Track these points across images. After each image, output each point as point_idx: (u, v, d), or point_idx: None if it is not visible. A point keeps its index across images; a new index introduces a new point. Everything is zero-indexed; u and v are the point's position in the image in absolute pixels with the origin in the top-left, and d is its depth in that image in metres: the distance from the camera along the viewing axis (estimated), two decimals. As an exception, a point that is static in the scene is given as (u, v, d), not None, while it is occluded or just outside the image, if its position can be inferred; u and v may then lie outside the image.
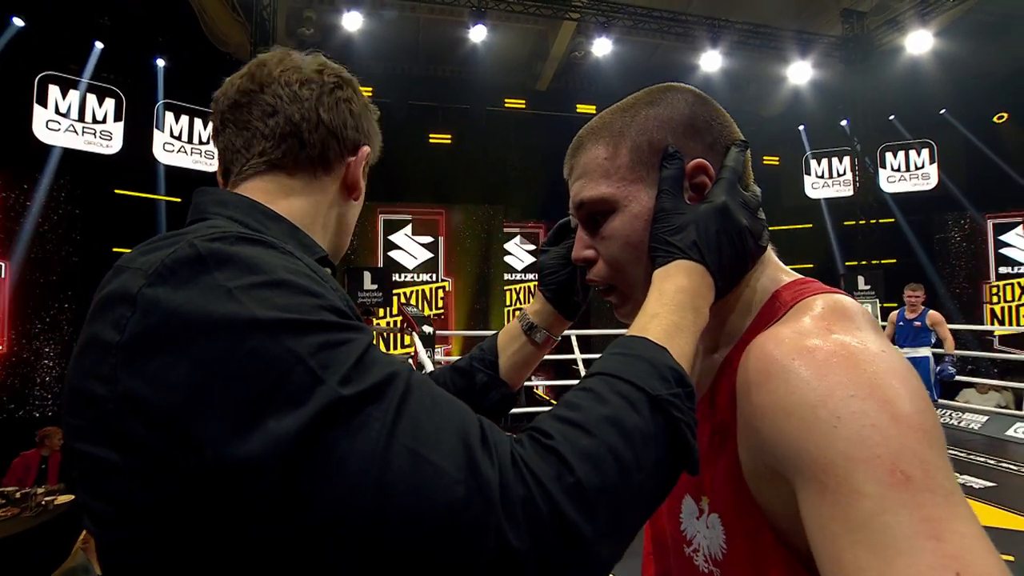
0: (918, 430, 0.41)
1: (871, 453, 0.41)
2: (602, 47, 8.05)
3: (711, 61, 8.23)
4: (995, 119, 8.81)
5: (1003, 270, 8.55)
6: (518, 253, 9.68)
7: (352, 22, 7.51)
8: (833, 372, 0.45)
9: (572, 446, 0.40)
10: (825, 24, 8.73)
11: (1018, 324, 8.37)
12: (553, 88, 9.49)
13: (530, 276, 9.56)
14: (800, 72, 8.72)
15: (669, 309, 0.51)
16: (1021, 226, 8.42)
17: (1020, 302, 8.39)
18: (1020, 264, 8.42)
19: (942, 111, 8.83)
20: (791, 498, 0.45)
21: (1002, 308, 8.52)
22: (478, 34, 7.58)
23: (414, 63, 9.36)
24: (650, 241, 0.56)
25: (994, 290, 8.59)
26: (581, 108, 9.38)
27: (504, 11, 7.73)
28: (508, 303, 9.46)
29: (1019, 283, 8.36)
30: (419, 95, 9.11)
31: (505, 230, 9.46)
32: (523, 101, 9.38)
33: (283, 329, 0.39)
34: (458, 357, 0.82)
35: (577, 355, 5.81)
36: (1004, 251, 8.55)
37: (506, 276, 9.45)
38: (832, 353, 0.46)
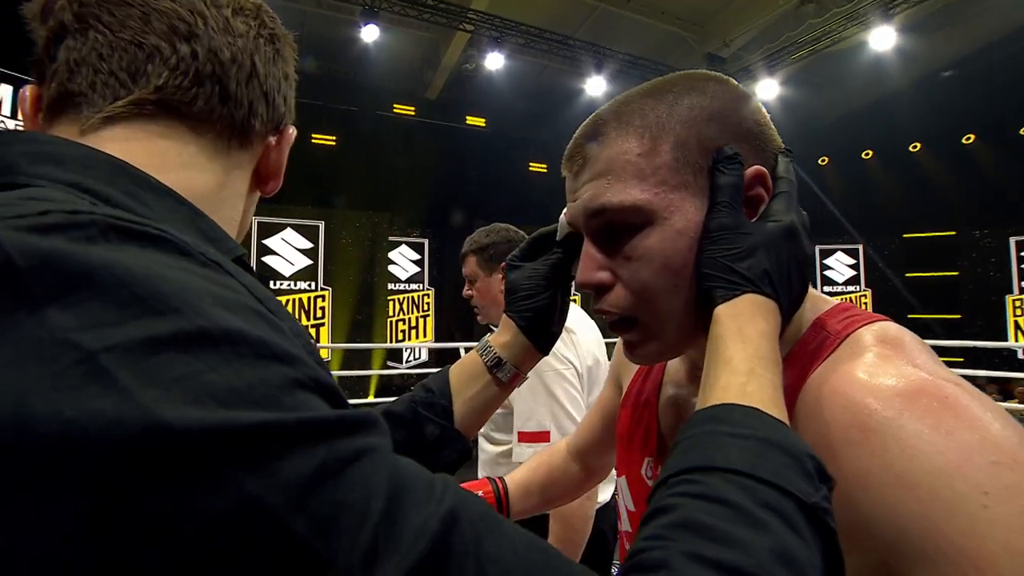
0: None
1: None
2: (494, 61, 8.14)
3: (595, 86, 8.61)
4: (819, 162, 10.14)
5: (827, 289, 9.69)
6: (402, 263, 9.42)
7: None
8: (957, 428, 0.37)
9: None
10: (692, 64, 9.65)
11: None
12: (443, 98, 9.40)
13: (414, 286, 9.36)
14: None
15: (761, 363, 0.40)
16: (840, 252, 9.84)
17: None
18: (839, 284, 9.84)
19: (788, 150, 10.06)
20: None
21: (825, 321, 9.98)
22: (370, 34, 7.30)
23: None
24: (702, 266, 0.46)
25: (820, 305, 10.08)
26: (471, 120, 9.42)
27: (397, 13, 7.56)
28: (392, 314, 9.13)
29: (839, 298, 9.84)
30: (302, 92, 8.09)
31: (390, 238, 9.20)
32: (413, 108, 9.18)
33: (231, 450, 0.21)
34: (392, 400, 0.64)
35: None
36: (828, 272, 9.87)
37: (390, 286, 9.17)
38: (945, 402, 0.39)
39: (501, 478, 0.84)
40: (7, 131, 0.34)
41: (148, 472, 0.19)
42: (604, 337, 1.63)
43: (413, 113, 9.20)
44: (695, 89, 0.49)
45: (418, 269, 9.32)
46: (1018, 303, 8.22)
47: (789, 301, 0.45)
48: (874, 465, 0.39)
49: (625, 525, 0.66)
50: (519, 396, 1.46)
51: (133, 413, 0.19)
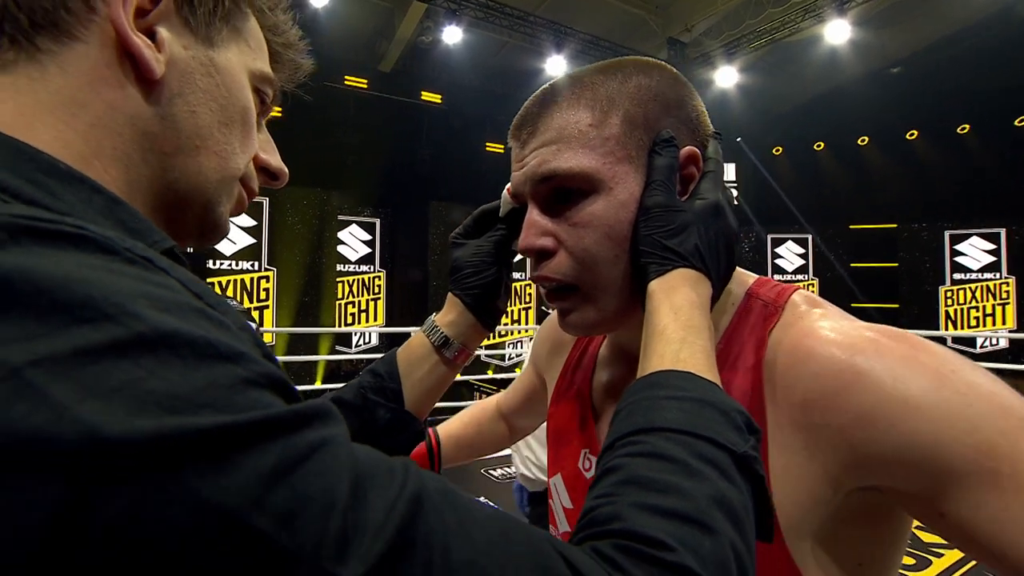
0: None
1: (1021, 421, 0.40)
2: (452, 35, 7.85)
3: (555, 65, 8.45)
4: (773, 151, 10.32)
5: (777, 277, 9.59)
6: (352, 243, 9.04)
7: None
8: (919, 354, 0.43)
9: (699, 557, 0.29)
10: (653, 48, 9.58)
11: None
12: (397, 71, 9.02)
13: (364, 268, 9.05)
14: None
15: (692, 331, 0.43)
16: (790, 241, 10.06)
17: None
18: (788, 272, 10.10)
19: (738, 139, 10.19)
20: (882, 530, 0.45)
21: (776, 308, 10.29)
22: (320, -1, 6.87)
23: (237, 19, 8.16)
24: (639, 243, 0.48)
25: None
26: (426, 96, 9.00)
27: (350, -22, 7.12)
28: (340, 296, 8.79)
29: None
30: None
31: (339, 217, 8.81)
32: (365, 81, 8.69)
33: (182, 456, 0.19)
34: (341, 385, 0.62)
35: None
36: (778, 261, 9.99)
37: (339, 267, 8.81)
38: (898, 337, 0.45)
39: (435, 429, 0.90)
40: None
41: (96, 486, 0.18)
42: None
43: (365, 86, 8.74)
44: (642, 71, 0.52)
45: (369, 250, 9.04)
46: (949, 294, 8.61)
47: (718, 273, 0.48)
48: (877, 399, 0.42)
49: (563, 526, 0.65)
50: None
51: (71, 428, 0.18)
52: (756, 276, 0.57)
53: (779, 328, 0.51)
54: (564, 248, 0.50)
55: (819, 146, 10.07)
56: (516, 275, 6.50)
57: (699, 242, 0.47)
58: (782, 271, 10.06)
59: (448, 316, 0.61)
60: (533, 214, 0.51)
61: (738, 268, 0.56)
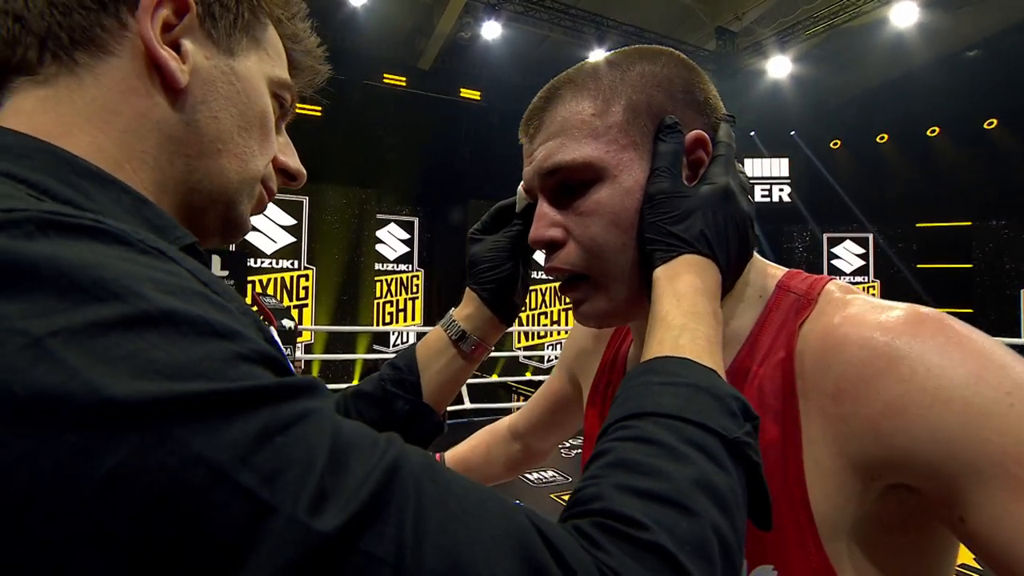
0: None
1: None
2: (491, 30, 7.73)
3: (598, 58, 8.20)
4: (831, 144, 9.78)
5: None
6: (391, 242, 9.10)
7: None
8: (963, 343, 0.41)
9: (674, 537, 0.30)
10: (701, 38, 9.21)
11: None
12: (437, 68, 8.96)
13: (403, 267, 9.10)
14: (675, 82, 9.10)
15: (694, 318, 0.43)
16: (848, 240, 9.51)
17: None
18: (847, 274, 9.57)
19: (792, 132, 9.74)
20: (923, 542, 0.44)
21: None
22: (358, -3, 6.87)
23: (279, 20, 8.30)
24: (645, 231, 0.48)
25: (826, 296, 9.84)
26: (465, 92, 8.94)
27: (388, -25, 7.09)
28: (379, 295, 8.84)
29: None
30: (284, 57, 8.05)
31: (378, 216, 8.85)
32: (404, 78, 8.71)
33: (177, 416, 0.22)
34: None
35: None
36: (835, 262, 9.49)
37: (377, 266, 8.86)
38: (941, 323, 0.43)
39: (442, 454, 0.88)
40: None
41: (102, 437, 0.21)
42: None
43: (404, 84, 8.74)
44: (646, 58, 0.52)
45: (407, 249, 9.04)
46: (1032, 297, 7.87)
47: (728, 258, 0.48)
48: (908, 389, 0.41)
49: None
50: None
51: (82, 388, 0.21)
52: (786, 269, 0.55)
53: (811, 320, 0.49)
54: (573, 238, 0.51)
55: (882, 138, 9.44)
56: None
57: (705, 227, 0.47)
58: (840, 272, 9.51)
59: (465, 310, 0.63)
60: (543, 207, 0.52)
61: (766, 261, 0.56)
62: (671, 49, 0.53)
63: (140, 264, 0.26)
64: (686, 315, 0.43)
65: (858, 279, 9.40)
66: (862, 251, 9.45)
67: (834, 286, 0.51)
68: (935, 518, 0.43)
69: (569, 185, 0.50)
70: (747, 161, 9.93)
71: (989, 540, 0.37)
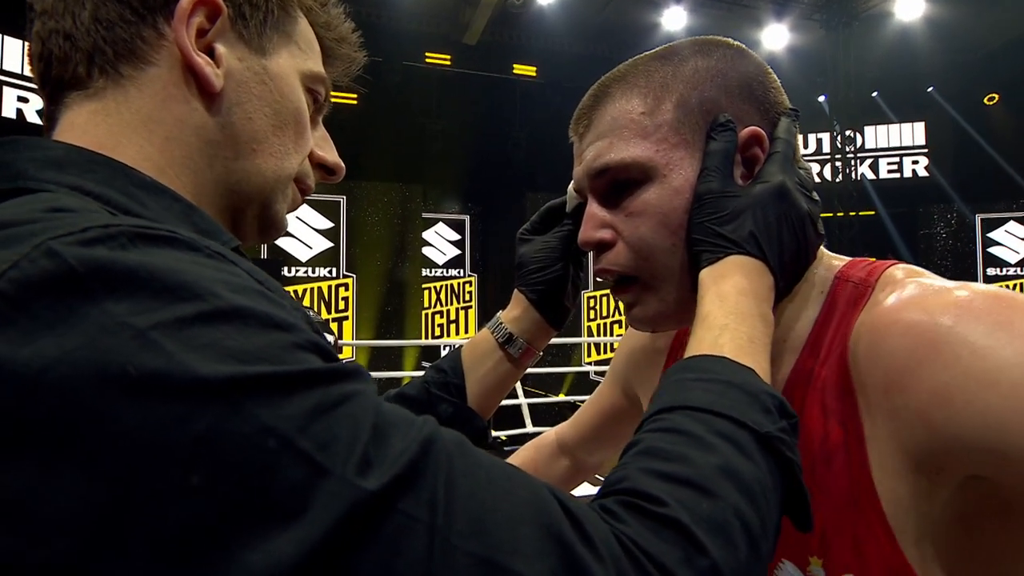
0: None
1: None
2: (545, -7, 7.17)
3: (674, 19, 7.51)
4: (985, 100, 8.27)
5: (991, 271, 8.14)
6: (440, 244, 8.63)
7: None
8: (1012, 321, 0.41)
9: (693, 514, 0.33)
10: (802, -16, 7.83)
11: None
12: (485, 42, 8.40)
13: (453, 272, 8.63)
14: (775, 36, 8.03)
15: (736, 319, 0.45)
16: (1012, 222, 8.02)
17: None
18: (1009, 265, 8.04)
19: (929, 89, 8.37)
20: (982, 507, 0.44)
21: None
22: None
23: (309, 0, 7.90)
24: (693, 232, 0.50)
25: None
26: (519, 68, 8.49)
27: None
28: (427, 305, 8.40)
29: (1009, 285, 7.99)
30: (313, 40, 7.63)
31: (424, 215, 8.45)
32: (448, 57, 8.32)
33: (249, 392, 0.28)
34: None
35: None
36: (992, 250, 8.13)
37: (424, 272, 8.46)
38: (992, 301, 0.43)
39: None
40: (12, 138, 0.40)
41: (192, 408, 0.27)
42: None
43: (448, 63, 8.37)
44: (701, 52, 0.54)
45: (458, 252, 8.63)
46: None
47: (781, 259, 0.49)
48: (952, 376, 0.41)
49: None
50: None
51: (178, 369, 0.27)
52: (848, 259, 0.56)
53: (866, 309, 0.49)
54: (622, 239, 0.54)
55: (1057, 89, 7.59)
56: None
57: (755, 228, 0.48)
58: (1000, 263, 8.10)
59: (513, 312, 0.66)
60: (592, 207, 0.55)
61: (829, 252, 0.56)
62: (729, 40, 0.55)
63: (210, 267, 0.32)
64: (728, 315, 0.45)
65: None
66: (1032, 235, 7.94)
67: (898, 269, 0.51)
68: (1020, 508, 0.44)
69: (619, 185, 0.53)
70: (867, 130, 8.71)
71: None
